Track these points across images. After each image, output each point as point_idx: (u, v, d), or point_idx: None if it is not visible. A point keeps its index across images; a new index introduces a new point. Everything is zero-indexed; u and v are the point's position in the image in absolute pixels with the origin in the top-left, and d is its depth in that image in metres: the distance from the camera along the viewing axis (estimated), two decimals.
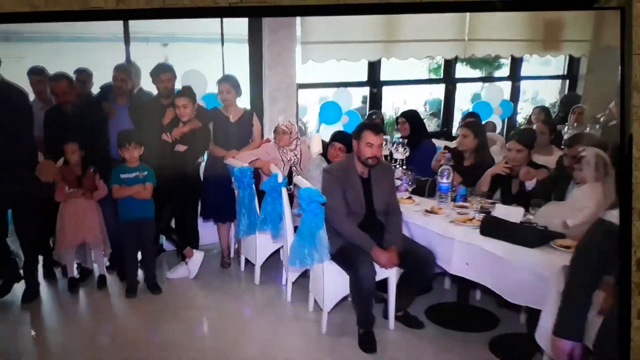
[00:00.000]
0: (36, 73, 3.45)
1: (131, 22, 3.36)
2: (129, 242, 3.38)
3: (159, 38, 3.95)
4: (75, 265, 3.48)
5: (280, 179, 3.18)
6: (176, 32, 3.84)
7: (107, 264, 3.57)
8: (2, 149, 3.01)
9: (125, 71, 3.55)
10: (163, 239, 3.87)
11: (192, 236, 3.66)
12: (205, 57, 4.05)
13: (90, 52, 3.65)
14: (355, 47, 4.33)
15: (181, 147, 3.48)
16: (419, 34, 4.42)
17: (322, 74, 4.49)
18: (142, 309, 3.30)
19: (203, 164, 3.74)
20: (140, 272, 3.51)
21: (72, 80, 3.44)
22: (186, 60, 3.85)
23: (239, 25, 3.96)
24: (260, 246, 3.47)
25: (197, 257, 3.58)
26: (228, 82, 3.65)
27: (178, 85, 3.57)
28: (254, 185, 3.46)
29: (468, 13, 4.32)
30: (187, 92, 3.49)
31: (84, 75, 3.59)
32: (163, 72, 3.50)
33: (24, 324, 3.16)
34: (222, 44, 3.87)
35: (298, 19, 3.96)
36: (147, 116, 3.52)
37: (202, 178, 3.71)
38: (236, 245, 3.85)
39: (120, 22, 3.37)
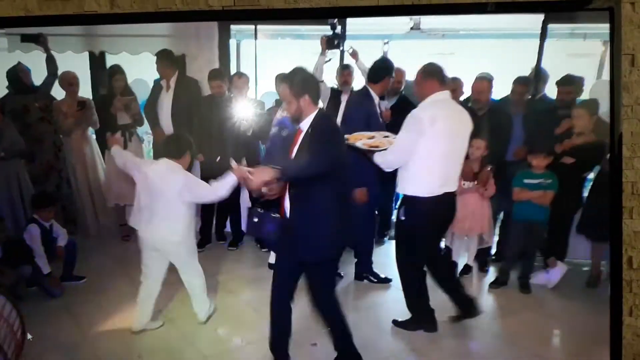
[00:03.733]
0: None
1: None
2: (516, 240, 3.53)
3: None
4: None
5: None
6: None
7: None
8: None
9: (525, 83, 3.68)
10: None
11: (560, 247, 3.61)
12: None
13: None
14: None
15: (568, 160, 3.44)
16: None
17: None
18: (498, 300, 3.50)
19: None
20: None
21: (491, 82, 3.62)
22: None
23: None
24: None
25: (560, 268, 3.53)
26: None
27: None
28: None
29: None
30: (587, 104, 3.46)
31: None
32: (565, 85, 3.53)
33: None
34: None
35: None
36: (543, 126, 3.59)
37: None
38: None
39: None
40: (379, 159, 2.97)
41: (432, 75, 2.89)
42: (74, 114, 3.92)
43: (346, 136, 3.08)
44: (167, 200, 2.90)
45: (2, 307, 2.51)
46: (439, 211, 2.91)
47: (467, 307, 3.09)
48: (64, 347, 2.95)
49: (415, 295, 3.07)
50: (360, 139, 3.10)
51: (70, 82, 3.98)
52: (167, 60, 3.96)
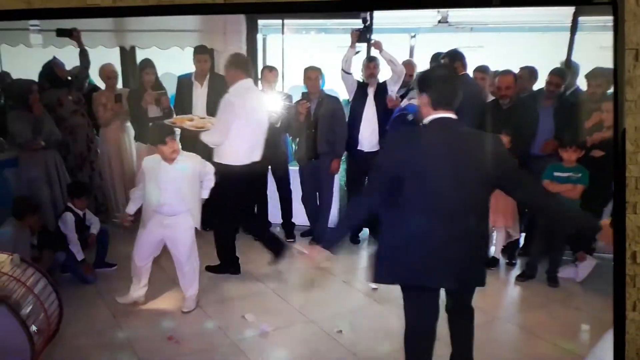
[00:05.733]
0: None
1: None
2: (544, 233, 3.50)
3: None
4: None
5: None
6: None
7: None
8: None
9: (561, 75, 3.65)
10: None
11: (589, 241, 3.58)
12: None
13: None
14: None
15: (597, 153, 3.41)
16: None
17: None
18: (525, 293, 3.49)
19: None
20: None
21: (517, 76, 3.58)
22: None
23: None
24: None
25: (589, 262, 3.52)
26: None
27: None
28: None
29: None
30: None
31: (525, 72, 3.77)
32: (594, 78, 3.48)
33: None
34: None
35: None
36: (573, 119, 3.57)
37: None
38: None
39: None
40: (205, 138, 3.41)
41: (237, 65, 3.39)
42: (112, 106, 4.03)
43: (171, 120, 3.65)
44: None
45: (42, 290, 2.58)
46: (248, 176, 3.45)
47: (276, 248, 3.57)
48: (97, 331, 3.04)
49: (223, 247, 3.60)
50: (184, 122, 3.58)
51: (108, 75, 4.11)
52: (207, 55, 4.06)
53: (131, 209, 3.29)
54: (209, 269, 3.58)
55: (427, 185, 2.07)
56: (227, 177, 3.37)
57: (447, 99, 2.15)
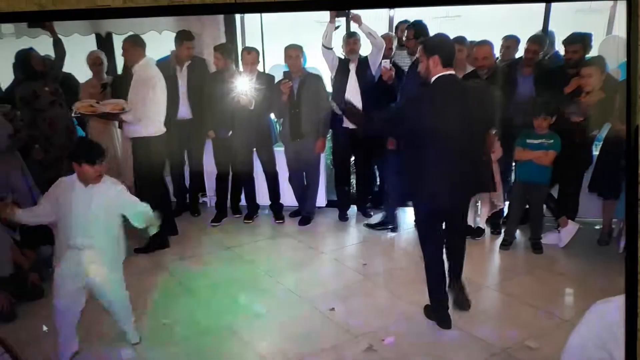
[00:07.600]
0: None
1: None
2: (518, 201, 3.62)
3: None
4: None
5: None
6: None
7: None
8: None
9: (539, 42, 3.67)
10: None
11: (570, 206, 3.66)
12: None
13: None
14: None
15: (577, 118, 3.44)
16: None
17: None
18: (510, 261, 3.59)
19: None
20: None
21: (493, 46, 3.59)
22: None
23: None
24: None
25: (571, 227, 3.58)
26: None
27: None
28: None
29: None
30: (597, 61, 3.45)
31: (513, 41, 3.84)
32: (572, 43, 3.51)
33: None
34: None
35: None
36: (553, 85, 3.58)
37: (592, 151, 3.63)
38: (622, 225, 3.56)
39: None
40: (128, 117, 3.63)
41: (139, 44, 3.66)
42: (97, 95, 3.99)
43: (77, 106, 3.71)
44: None
45: None
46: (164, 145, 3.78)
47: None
48: (88, 323, 3.04)
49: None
50: (99, 108, 3.67)
51: (94, 61, 4.12)
52: (193, 41, 4.06)
53: (24, 216, 2.74)
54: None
55: (443, 129, 2.57)
56: (149, 148, 3.65)
57: (452, 58, 2.64)
